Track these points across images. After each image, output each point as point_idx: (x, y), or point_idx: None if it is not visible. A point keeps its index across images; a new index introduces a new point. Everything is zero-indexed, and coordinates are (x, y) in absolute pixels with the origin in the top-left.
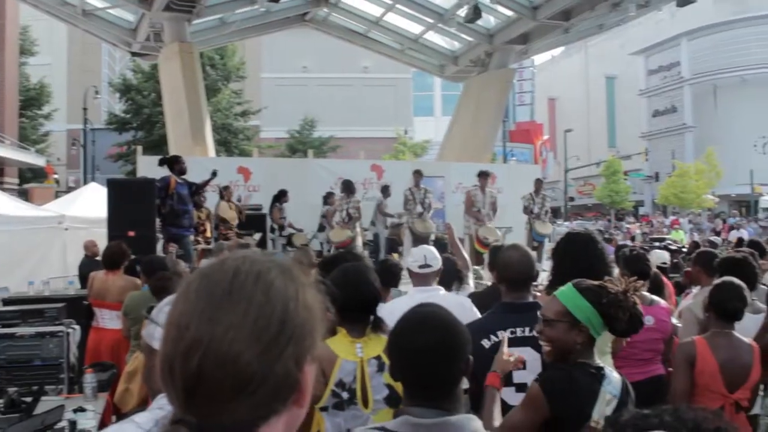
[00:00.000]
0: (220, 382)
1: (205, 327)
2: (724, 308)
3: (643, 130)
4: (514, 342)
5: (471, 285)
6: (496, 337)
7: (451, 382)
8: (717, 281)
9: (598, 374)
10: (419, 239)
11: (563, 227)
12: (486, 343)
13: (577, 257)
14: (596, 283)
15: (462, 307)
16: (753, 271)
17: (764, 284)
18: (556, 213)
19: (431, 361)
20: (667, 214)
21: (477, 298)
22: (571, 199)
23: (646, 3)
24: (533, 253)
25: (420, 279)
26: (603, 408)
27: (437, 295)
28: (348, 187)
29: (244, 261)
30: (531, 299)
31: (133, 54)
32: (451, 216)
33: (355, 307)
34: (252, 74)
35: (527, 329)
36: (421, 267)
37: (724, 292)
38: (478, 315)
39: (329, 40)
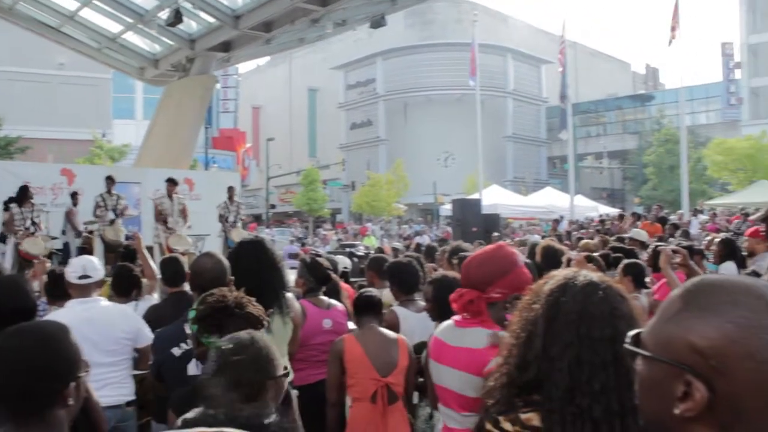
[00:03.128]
0: None
1: None
2: (356, 306)
3: (342, 141)
4: None
5: (155, 296)
6: (187, 345)
7: (44, 403)
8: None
9: None
10: (110, 247)
11: (263, 233)
12: (176, 351)
13: (247, 263)
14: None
15: (125, 317)
16: (416, 274)
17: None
18: (258, 220)
19: (20, 380)
20: (363, 222)
21: (156, 309)
22: (273, 206)
23: (343, 22)
24: (226, 262)
25: (79, 290)
26: None
27: (97, 306)
28: (24, 194)
29: None
30: None
31: None
32: (148, 224)
33: (7, 317)
34: None
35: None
36: (80, 278)
37: (360, 294)
38: (141, 323)
39: (20, 31)
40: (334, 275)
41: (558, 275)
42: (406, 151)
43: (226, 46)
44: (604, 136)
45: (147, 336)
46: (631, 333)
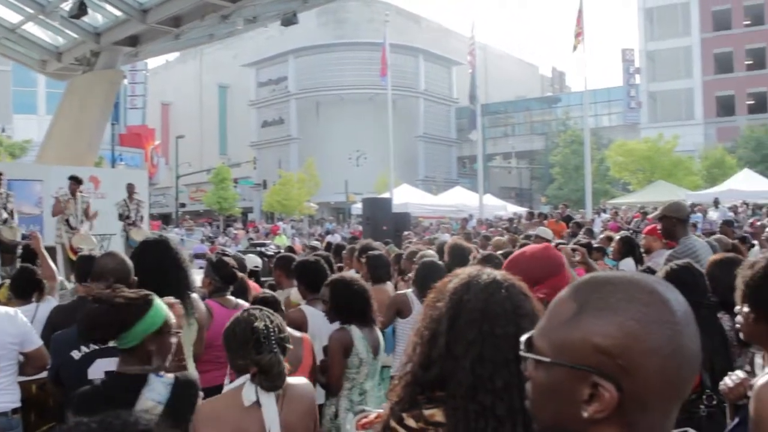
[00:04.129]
0: None
1: None
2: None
3: (253, 139)
4: (102, 353)
5: (55, 297)
6: (87, 348)
7: None
8: None
9: (137, 383)
10: (7, 248)
11: (173, 233)
12: (76, 354)
13: (150, 263)
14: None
15: (11, 320)
16: (323, 272)
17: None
18: (167, 219)
19: None
20: (274, 221)
21: (62, 312)
22: (183, 205)
23: (254, 19)
24: (130, 262)
25: None
26: None
27: None
28: None
29: None
30: None
31: None
32: (50, 223)
33: None
34: None
35: None
36: None
37: (257, 295)
38: (28, 327)
39: None
40: (241, 274)
41: (462, 273)
42: (318, 149)
43: (133, 41)
44: (513, 136)
45: (34, 340)
46: (523, 338)
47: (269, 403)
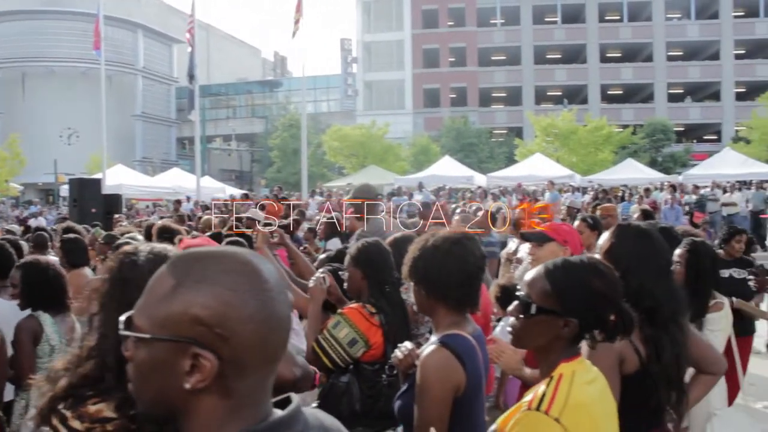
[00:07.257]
0: None
1: None
2: None
3: None
4: None
5: None
6: None
7: None
8: None
9: None
10: None
11: None
12: None
13: None
14: None
15: None
16: (8, 257)
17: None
18: None
19: None
20: None
21: None
22: None
23: None
24: None
25: None
26: None
27: None
28: None
29: None
30: None
31: None
32: None
33: None
34: None
35: None
36: None
37: None
38: None
39: None
40: None
41: (123, 250)
42: (24, 125)
43: None
44: (234, 119)
45: None
46: (122, 318)
47: None
